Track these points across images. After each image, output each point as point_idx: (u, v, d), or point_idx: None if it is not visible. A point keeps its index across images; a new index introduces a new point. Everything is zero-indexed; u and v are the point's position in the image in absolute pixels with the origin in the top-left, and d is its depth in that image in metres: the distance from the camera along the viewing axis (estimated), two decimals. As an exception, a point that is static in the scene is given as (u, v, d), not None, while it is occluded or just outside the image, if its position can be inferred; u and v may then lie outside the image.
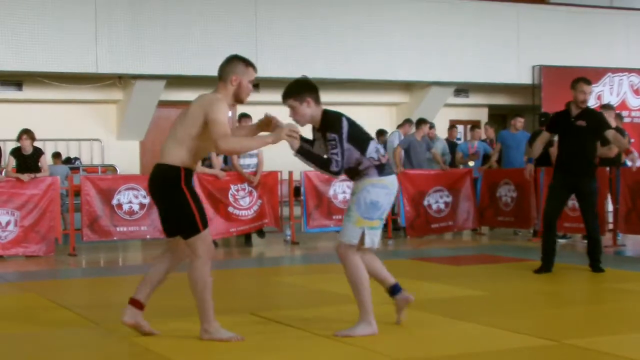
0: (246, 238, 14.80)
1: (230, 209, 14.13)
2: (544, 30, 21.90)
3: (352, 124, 6.69)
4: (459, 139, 19.77)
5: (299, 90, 6.70)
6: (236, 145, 6.53)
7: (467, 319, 7.38)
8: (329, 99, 20.00)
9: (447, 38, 20.80)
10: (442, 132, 19.00)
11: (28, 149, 13.40)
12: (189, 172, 6.49)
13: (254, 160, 14.35)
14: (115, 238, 13.98)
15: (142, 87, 18.11)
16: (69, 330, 6.35)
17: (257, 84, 20.12)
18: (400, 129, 17.23)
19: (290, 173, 15.22)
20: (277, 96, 22.61)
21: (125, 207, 13.82)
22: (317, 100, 6.72)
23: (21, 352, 6.29)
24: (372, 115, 21.07)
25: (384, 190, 6.69)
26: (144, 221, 13.92)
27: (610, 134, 10.27)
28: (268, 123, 6.79)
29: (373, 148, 6.72)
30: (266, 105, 20.29)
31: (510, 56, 21.43)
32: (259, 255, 13.81)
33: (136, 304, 6.65)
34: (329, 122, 6.63)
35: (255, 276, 10.84)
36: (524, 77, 21.52)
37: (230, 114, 6.65)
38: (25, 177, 13.07)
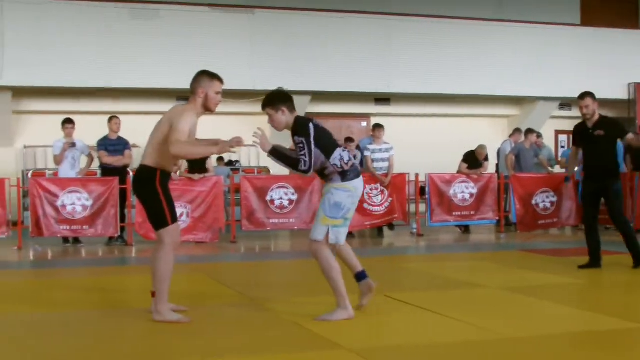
0: (378, 230, 14.94)
1: (365, 205, 14.21)
2: (639, 52, 21.38)
3: (319, 130, 6.41)
4: (563, 147, 19.42)
5: (275, 100, 6.50)
6: (182, 150, 6.24)
7: (565, 303, 7.28)
8: (449, 112, 20.20)
9: (553, 59, 20.52)
10: (548, 140, 18.69)
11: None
12: (164, 173, 6.44)
13: (385, 164, 14.44)
14: (268, 228, 14.19)
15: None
16: (224, 306, 6.48)
17: (389, 99, 20.20)
18: (511, 138, 17.02)
19: (417, 175, 15.26)
20: (406, 109, 22.53)
21: (277, 202, 14.04)
22: (291, 109, 6.49)
23: (190, 324, 6.44)
24: (487, 125, 20.92)
25: (346, 193, 6.41)
26: (292, 214, 14.12)
27: (629, 137, 9.75)
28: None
29: (337, 155, 6.42)
30: (397, 117, 20.44)
31: (608, 74, 20.95)
32: (389, 245, 13.82)
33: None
34: (298, 127, 6.37)
35: (386, 263, 10.78)
36: (620, 93, 21.02)
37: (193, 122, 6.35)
38: (195, 176, 13.43)
